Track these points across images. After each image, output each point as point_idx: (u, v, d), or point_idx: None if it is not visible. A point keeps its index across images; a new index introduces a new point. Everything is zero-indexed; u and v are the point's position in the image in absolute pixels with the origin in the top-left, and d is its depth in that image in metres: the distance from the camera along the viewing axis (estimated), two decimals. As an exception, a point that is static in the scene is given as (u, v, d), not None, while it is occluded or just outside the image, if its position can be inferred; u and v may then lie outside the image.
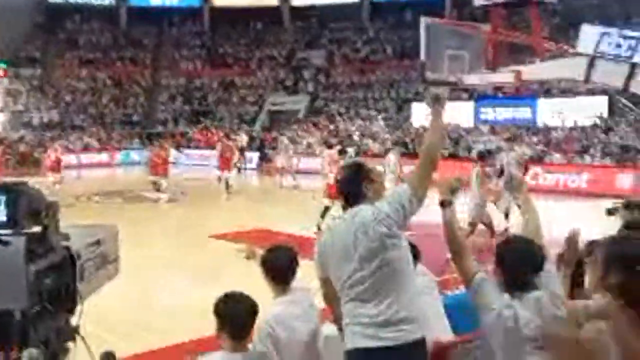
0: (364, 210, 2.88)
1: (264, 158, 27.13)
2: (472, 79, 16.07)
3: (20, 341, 1.98)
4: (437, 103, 3.06)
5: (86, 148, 29.13)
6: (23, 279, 1.90)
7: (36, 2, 36.55)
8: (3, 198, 1.99)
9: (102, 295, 2.40)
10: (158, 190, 16.59)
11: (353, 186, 2.99)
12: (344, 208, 3.06)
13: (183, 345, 5.80)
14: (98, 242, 2.35)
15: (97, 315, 2.24)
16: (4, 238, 1.91)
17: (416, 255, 3.59)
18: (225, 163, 17.62)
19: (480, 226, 10.37)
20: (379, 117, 28.14)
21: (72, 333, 2.32)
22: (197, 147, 28.99)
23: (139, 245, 9.13)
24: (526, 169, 13.44)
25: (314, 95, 33.05)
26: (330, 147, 15.28)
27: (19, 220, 2.01)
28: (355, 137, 26.20)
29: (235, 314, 2.87)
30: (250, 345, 3.01)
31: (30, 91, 32.12)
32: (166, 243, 11.19)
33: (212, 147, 23.55)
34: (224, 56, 37.54)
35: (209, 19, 39.39)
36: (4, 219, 1.98)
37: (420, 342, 2.86)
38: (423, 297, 3.44)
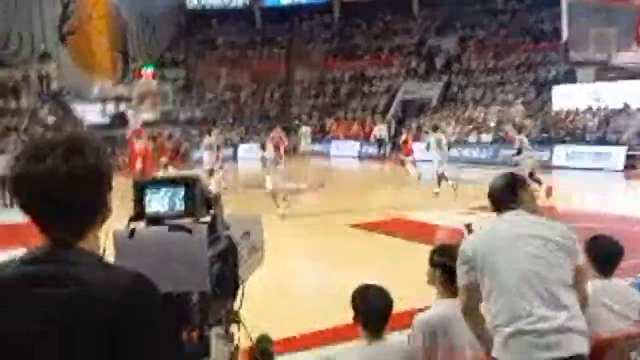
0: (546, 223, 2.95)
1: (395, 147, 27.08)
2: (622, 58, 14.91)
3: (200, 322, 2.15)
4: None
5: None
6: (204, 264, 2.05)
7: (178, 8, 39.04)
8: (183, 190, 2.16)
9: (248, 282, 2.53)
10: None
11: (506, 195, 3.03)
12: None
13: (327, 332, 5.97)
14: (248, 232, 2.48)
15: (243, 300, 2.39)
16: (188, 226, 2.08)
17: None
18: None
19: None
20: (518, 101, 27.00)
21: (235, 317, 2.47)
22: (335, 138, 29.61)
23: (279, 234, 9.47)
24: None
25: (447, 82, 32.36)
26: None
27: (196, 210, 2.17)
28: (492, 124, 25.37)
29: (370, 308, 2.92)
30: (389, 336, 3.03)
31: (176, 91, 34.32)
32: (305, 232, 11.52)
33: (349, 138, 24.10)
34: (354, 48, 37.82)
35: (338, 12, 39.86)
36: (184, 208, 2.15)
37: (585, 357, 2.76)
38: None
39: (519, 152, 14.11)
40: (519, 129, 15.66)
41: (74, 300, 1.31)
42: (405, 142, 19.64)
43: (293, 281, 8.31)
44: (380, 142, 26.90)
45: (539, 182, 13.46)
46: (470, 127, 26.07)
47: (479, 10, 35.88)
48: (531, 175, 13.40)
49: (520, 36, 32.71)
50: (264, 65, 38.13)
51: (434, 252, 3.18)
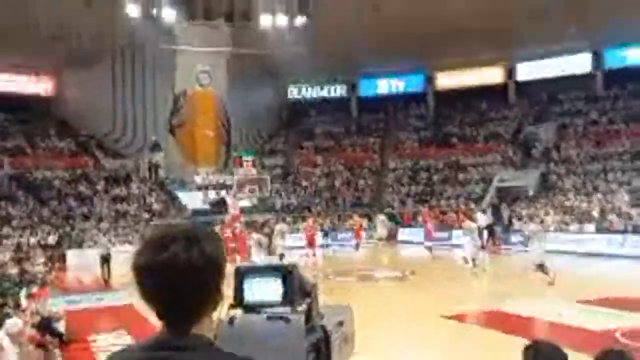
0: None
1: (492, 236, 26.34)
2: None
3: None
4: None
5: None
6: (301, 354, 2.13)
7: (280, 101, 41.08)
8: (281, 278, 2.29)
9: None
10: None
11: None
12: None
13: None
14: (341, 323, 2.53)
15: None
16: (285, 315, 2.19)
17: None
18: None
19: None
20: (622, 190, 25.80)
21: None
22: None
23: (369, 323, 9.36)
24: None
25: (545, 171, 31.53)
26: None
27: (294, 299, 2.28)
28: (595, 213, 24.28)
29: None
30: None
31: (273, 178, 35.45)
32: (397, 321, 11.30)
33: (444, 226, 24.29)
34: (448, 136, 37.88)
35: (433, 101, 40.36)
36: (282, 297, 2.26)
37: None
38: None
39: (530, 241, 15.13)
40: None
41: None
42: (428, 227, 22.18)
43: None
44: (479, 231, 26.26)
45: (547, 273, 14.42)
46: (572, 216, 25.07)
47: (578, 97, 35.26)
48: (540, 266, 14.45)
49: (623, 122, 31.68)
50: (358, 153, 38.87)
51: (527, 349, 3.06)
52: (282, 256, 19.92)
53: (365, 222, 28.38)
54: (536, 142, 33.98)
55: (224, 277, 1.56)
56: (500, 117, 37.53)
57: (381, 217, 29.40)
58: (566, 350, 3.08)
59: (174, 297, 1.46)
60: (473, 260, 16.96)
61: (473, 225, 18.33)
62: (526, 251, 15.36)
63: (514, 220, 27.29)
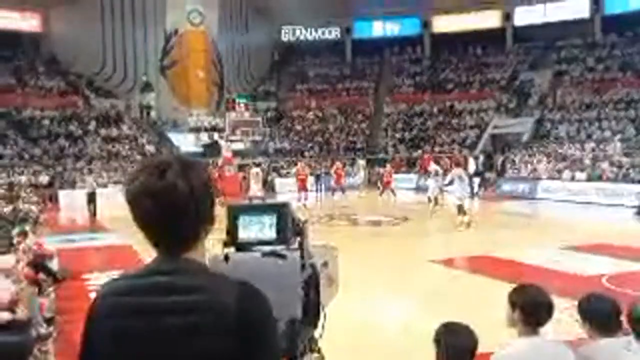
0: None
1: (484, 183, 26.50)
2: None
3: (288, 349, 2.17)
4: None
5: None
6: (296, 291, 2.10)
7: (273, 43, 40.35)
8: (274, 216, 2.23)
9: (331, 315, 2.52)
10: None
11: (613, 320, 3.05)
12: None
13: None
14: (327, 262, 2.50)
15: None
16: (283, 252, 2.14)
17: None
18: None
19: None
20: (615, 138, 25.81)
21: (316, 345, 2.48)
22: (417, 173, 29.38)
23: (357, 267, 9.41)
24: None
25: (539, 118, 31.43)
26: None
27: (287, 237, 2.23)
28: (587, 161, 24.35)
29: (455, 347, 2.86)
30: None
31: (266, 122, 35.23)
32: (384, 266, 11.37)
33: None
34: (444, 82, 37.55)
35: (429, 45, 39.81)
36: (275, 235, 2.21)
37: None
38: None
39: (451, 183, 15.69)
40: (457, 163, 17.07)
41: (195, 307, 1.40)
42: (388, 173, 23.43)
43: (374, 316, 8.19)
44: (469, 177, 26.35)
45: (464, 213, 15.19)
46: (564, 164, 25.13)
47: (576, 44, 34.84)
48: (460, 207, 15.24)
49: (619, 70, 31.43)
50: (352, 97, 38.54)
51: (512, 292, 3.05)
52: (254, 199, 20.00)
53: (342, 167, 28.10)
54: (532, 88, 33.75)
55: (214, 204, 1.54)
56: (496, 63, 37.15)
57: (360, 162, 29.40)
58: (553, 295, 3.08)
59: (172, 222, 1.45)
60: (436, 198, 18.34)
61: (438, 168, 19.46)
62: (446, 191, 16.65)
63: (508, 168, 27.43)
